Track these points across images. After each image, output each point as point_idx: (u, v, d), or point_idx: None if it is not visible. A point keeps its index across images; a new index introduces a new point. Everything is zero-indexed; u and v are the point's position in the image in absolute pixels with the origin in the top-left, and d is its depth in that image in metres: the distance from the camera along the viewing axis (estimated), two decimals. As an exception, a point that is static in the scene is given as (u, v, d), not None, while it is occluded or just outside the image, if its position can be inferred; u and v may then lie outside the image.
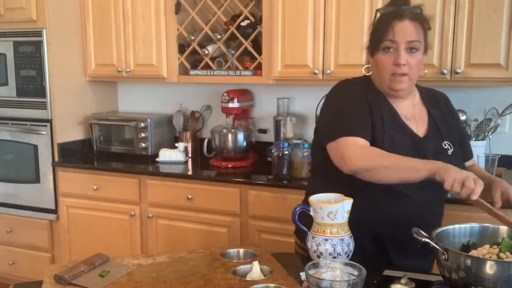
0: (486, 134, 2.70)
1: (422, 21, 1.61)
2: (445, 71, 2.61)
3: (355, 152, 1.55)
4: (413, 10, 1.61)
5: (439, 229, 1.40)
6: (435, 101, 1.75)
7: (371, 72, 1.69)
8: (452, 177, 1.38)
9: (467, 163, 1.77)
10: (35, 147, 3.43)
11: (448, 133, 1.69)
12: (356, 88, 1.70)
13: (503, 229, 1.42)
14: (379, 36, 1.60)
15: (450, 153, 1.65)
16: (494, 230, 1.43)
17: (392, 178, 1.51)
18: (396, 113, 1.66)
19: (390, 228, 1.60)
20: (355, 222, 1.50)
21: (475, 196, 1.35)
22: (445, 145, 1.66)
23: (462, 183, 1.35)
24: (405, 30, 1.57)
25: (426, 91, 1.78)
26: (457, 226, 1.44)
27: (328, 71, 2.86)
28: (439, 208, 1.71)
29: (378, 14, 1.66)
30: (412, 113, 1.69)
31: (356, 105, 1.65)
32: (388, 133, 1.60)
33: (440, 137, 1.67)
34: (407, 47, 1.57)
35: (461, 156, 1.71)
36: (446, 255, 1.25)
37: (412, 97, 1.72)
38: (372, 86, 1.70)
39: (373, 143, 1.58)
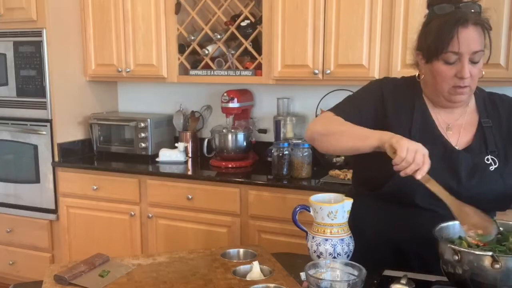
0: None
1: (485, 25, 1.46)
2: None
3: (317, 119, 1.60)
4: (474, 8, 1.45)
5: (439, 226, 1.37)
6: (494, 108, 1.59)
7: (423, 77, 1.56)
8: (405, 145, 1.28)
9: None
10: (35, 147, 3.43)
11: (497, 146, 1.53)
12: (382, 86, 1.61)
13: (499, 223, 1.40)
14: (441, 45, 1.44)
15: (492, 169, 1.49)
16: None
17: (345, 145, 1.47)
18: (430, 121, 1.55)
19: (415, 244, 1.50)
20: (378, 237, 1.49)
21: (419, 175, 1.28)
22: (487, 160, 1.50)
23: (415, 153, 1.27)
24: (469, 39, 1.42)
25: (487, 96, 1.62)
26: (457, 222, 1.40)
27: (328, 71, 2.86)
28: None
29: (433, 13, 1.49)
30: (458, 122, 1.56)
31: (367, 97, 1.60)
32: None
33: (484, 150, 1.52)
34: (471, 57, 1.43)
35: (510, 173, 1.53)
36: (459, 256, 1.22)
37: (466, 104, 1.58)
38: (415, 89, 1.59)
39: None
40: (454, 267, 1.25)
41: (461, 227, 1.35)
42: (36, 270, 3.36)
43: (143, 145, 3.45)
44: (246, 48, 3.14)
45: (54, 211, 3.43)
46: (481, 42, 1.45)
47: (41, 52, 3.31)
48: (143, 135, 3.43)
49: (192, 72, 3.29)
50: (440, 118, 1.57)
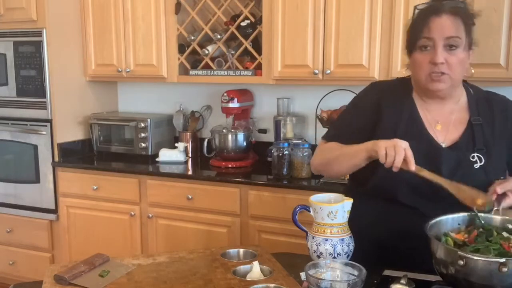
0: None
1: (464, 15, 1.49)
2: (445, 71, 2.60)
3: (316, 152, 1.72)
4: (454, 4, 1.49)
5: (429, 223, 1.36)
6: (487, 107, 1.59)
7: (411, 73, 1.60)
8: (383, 145, 1.39)
9: None
10: (35, 147, 3.43)
11: (485, 144, 1.53)
12: (370, 92, 1.68)
13: (496, 219, 1.41)
14: (414, 34, 1.51)
15: (477, 167, 1.51)
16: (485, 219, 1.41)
17: (344, 168, 1.58)
18: (417, 119, 1.57)
19: (398, 241, 1.54)
20: (363, 234, 1.50)
21: (412, 167, 1.37)
22: (473, 157, 1.52)
23: (394, 147, 1.37)
24: (442, 25, 1.45)
25: (482, 95, 1.63)
26: (450, 216, 1.41)
27: (328, 71, 2.86)
28: None
29: (416, 11, 1.55)
30: (447, 119, 1.58)
31: (355, 110, 1.68)
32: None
33: (471, 148, 1.53)
34: (445, 44, 1.46)
35: (500, 171, 1.54)
36: (464, 261, 1.19)
37: (455, 100, 1.59)
38: (406, 88, 1.63)
39: None
40: (446, 266, 1.25)
41: (464, 202, 1.41)
42: (36, 270, 3.36)
43: (143, 145, 3.45)
44: (246, 48, 3.14)
45: (54, 211, 3.43)
46: (456, 29, 1.47)
47: (41, 52, 3.31)
48: (143, 135, 3.43)
49: (192, 72, 3.29)
50: (430, 115, 1.59)
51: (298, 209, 1.51)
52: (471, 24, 1.51)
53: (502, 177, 1.49)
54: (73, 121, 3.53)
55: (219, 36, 3.19)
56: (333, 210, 1.42)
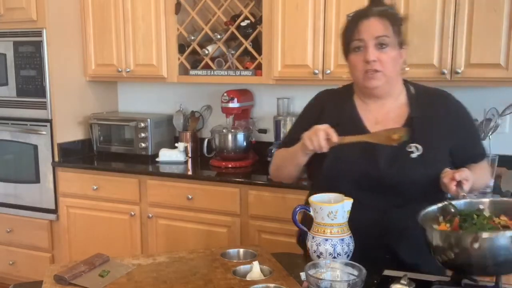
0: (486, 134, 2.70)
1: (392, 17, 1.59)
2: (445, 71, 2.61)
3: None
4: (381, 8, 1.60)
5: (420, 215, 1.36)
6: (428, 102, 1.66)
7: (351, 75, 1.69)
8: (306, 135, 1.52)
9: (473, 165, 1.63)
10: (35, 147, 3.43)
11: (425, 136, 1.58)
12: (315, 100, 1.80)
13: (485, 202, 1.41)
14: (347, 38, 1.62)
15: (414, 156, 1.56)
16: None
17: (291, 168, 1.69)
18: (357, 119, 1.66)
19: (356, 235, 1.54)
20: None
21: (334, 138, 1.48)
22: (409, 147, 1.56)
23: (314, 132, 1.49)
24: (371, 27, 1.57)
25: (423, 91, 1.70)
26: (428, 209, 1.40)
27: (328, 71, 2.86)
28: (395, 214, 1.57)
29: (348, 18, 1.66)
30: (386, 117, 1.65)
31: (302, 118, 1.81)
32: None
33: (409, 140, 1.56)
34: (376, 43, 1.56)
35: (442, 162, 1.58)
36: (478, 243, 1.18)
37: (394, 98, 1.67)
38: (348, 92, 1.74)
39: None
40: (445, 252, 1.24)
41: (384, 143, 1.51)
42: (36, 270, 3.36)
43: (143, 145, 3.45)
44: (246, 48, 3.14)
45: (54, 211, 3.43)
46: (384, 29, 1.57)
47: (41, 52, 3.31)
48: (143, 135, 3.43)
49: (192, 72, 3.29)
50: (370, 114, 1.67)
51: (298, 209, 1.51)
52: (399, 25, 1.61)
53: (447, 168, 1.54)
54: (73, 121, 3.53)
55: (219, 36, 3.19)
56: (333, 210, 1.42)
